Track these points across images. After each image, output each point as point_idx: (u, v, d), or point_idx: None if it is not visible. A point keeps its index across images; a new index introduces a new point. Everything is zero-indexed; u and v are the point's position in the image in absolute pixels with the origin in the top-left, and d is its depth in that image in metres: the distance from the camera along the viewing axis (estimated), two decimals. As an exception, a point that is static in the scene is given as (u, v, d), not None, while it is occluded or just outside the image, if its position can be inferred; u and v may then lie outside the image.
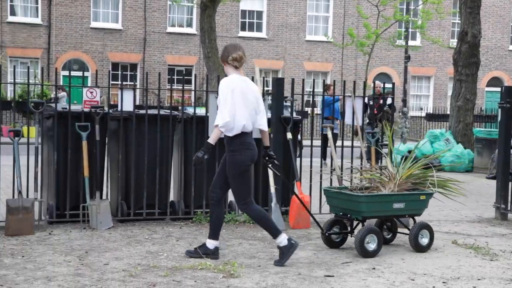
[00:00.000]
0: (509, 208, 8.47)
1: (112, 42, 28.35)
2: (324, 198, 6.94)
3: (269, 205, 7.64)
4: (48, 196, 7.46)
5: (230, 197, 8.10)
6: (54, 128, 7.31)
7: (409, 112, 26.64)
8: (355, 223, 6.57)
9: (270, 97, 8.14)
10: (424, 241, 6.50)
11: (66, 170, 7.32)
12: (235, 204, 8.12)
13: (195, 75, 8.53)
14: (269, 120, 7.97)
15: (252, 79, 8.08)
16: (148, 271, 5.41)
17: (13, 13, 27.13)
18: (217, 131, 5.72)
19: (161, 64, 28.70)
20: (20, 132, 7.19)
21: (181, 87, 8.01)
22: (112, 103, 16.57)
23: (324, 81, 11.44)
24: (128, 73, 28.35)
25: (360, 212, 6.32)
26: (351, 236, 6.50)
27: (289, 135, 7.92)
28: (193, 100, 15.49)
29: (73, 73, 7.89)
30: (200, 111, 8.48)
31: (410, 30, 27.63)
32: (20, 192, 6.89)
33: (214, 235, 5.96)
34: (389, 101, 12.03)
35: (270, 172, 7.54)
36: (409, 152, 14.78)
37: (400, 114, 23.01)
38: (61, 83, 22.95)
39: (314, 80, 8.58)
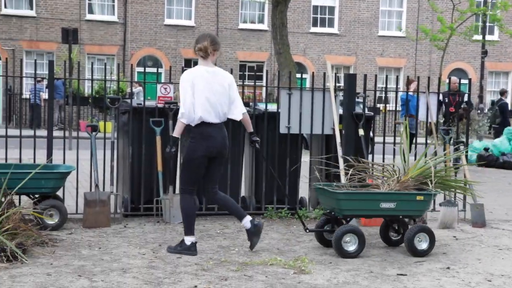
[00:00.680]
0: None
1: (185, 38, 28.72)
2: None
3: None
4: (123, 190, 7.64)
5: (301, 193, 8.10)
6: (129, 123, 7.48)
7: (485, 108, 25.90)
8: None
9: (341, 93, 8.07)
10: (422, 245, 6.05)
11: (140, 164, 7.48)
12: (306, 200, 8.13)
13: (267, 71, 8.56)
14: (340, 116, 7.93)
15: (324, 75, 8.05)
16: (219, 266, 5.47)
17: (91, 11, 27.89)
18: (178, 123, 5.85)
19: (232, 60, 28.89)
20: (97, 127, 7.40)
21: (253, 83, 8.04)
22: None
23: (408, 77, 11.26)
24: (201, 69, 28.69)
25: (340, 210, 6.04)
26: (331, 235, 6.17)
27: (361, 132, 7.84)
28: (264, 96, 15.49)
29: (147, 70, 8.02)
30: (271, 107, 8.50)
31: (487, 24, 26.82)
32: (97, 186, 7.08)
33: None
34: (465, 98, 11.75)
35: (342, 169, 7.48)
36: (486, 149, 14.50)
37: (478, 111, 22.40)
38: (136, 79, 23.46)
39: (386, 76, 8.45)
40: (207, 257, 5.74)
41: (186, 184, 5.97)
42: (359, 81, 8.26)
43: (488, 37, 27.22)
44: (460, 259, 5.96)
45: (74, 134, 16.46)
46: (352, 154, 7.78)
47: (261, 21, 29.92)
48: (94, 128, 7.29)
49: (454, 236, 7.01)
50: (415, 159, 7.90)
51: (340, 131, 7.82)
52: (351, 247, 5.90)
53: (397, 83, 8.58)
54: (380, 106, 20.84)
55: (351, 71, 29.39)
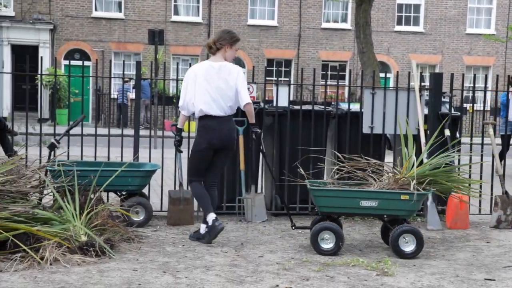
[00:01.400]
0: None
1: (268, 38, 28.87)
2: (484, 197, 6.64)
3: (425, 204, 7.43)
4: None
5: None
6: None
7: None
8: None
9: (427, 93, 7.90)
10: (408, 247, 5.82)
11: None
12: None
13: (350, 70, 8.49)
14: (426, 116, 7.76)
15: (409, 74, 7.90)
16: (301, 265, 5.46)
17: (176, 12, 28.48)
18: (180, 115, 6.27)
19: (315, 60, 28.80)
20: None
21: (335, 83, 7.99)
22: (267, 98, 16.88)
23: (509, 76, 10.87)
24: (283, 69, 28.76)
25: (318, 206, 5.93)
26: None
27: (447, 132, 7.65)
28: (346, 96, 15.35)
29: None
30: (354, 106, 8.42)
31: None
32: (181, 184, 7.22)
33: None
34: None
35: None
36: None
37: None
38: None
39: (474, 75, 8.19)
40: (288, 257, 5.74)
41: (192, 175, 6.25)
42: (445, 80, 8.06)
43: None
44: (552, 266, 5.71)
45: (160, 133, 16.85)
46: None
47: (344, 20, 29.69)
48: (179, 128, 7.42)
49: (546, 242, 6.73)
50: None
51: (425, 131, 7.66)
52: (327, 245, 5.81)
53: (485, 82, 8.30)
54: (467, 106, 20.27)
55: (437, 70, 28.72)
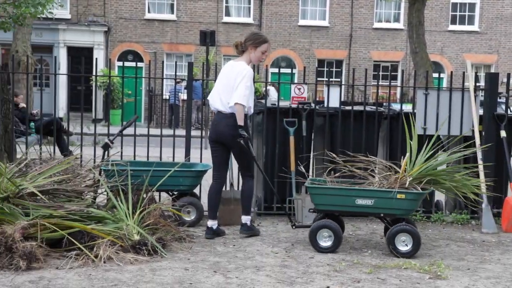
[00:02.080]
0: None
1: (319, 39, 28.75)
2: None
3: (480, 206, 7.28)
4: (256, 189, 7.77)
5: (437, 196, 7.85)
6: (263, 123, 7.60)
7: None
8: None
9: (482, 93, 7.74)
10: (405, 247, 5.79)
11: (273, 164, 7.57)
12: (442, 203, 7.88)
13: (402, 70, 8.38)
14: (481, 117, 7.60)
15: (463, 74, 7.75)
16: (352, 267, 5.42)
17: (227, 13, 28.65)
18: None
19: (366, 60, 28.55)
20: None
21: (387, 83, 7.89)
22: (318, 99, 16.84)
23: None
24: (334, 69, 28.60)
25: (315, 204, 5.91)
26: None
27: (503, 133, 7.48)
28: (398, 96, 15.16)
29: (281, 70, 8.12)
30: (406, 107, 8.31)
31: None
32: (231, 184, 7.25)
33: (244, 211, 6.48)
34: None
35: (481, 172, 7.17)
36: None
37: None
38: (270, 80, 23.79)
39: (532, 74, 7.98)
40: (339, 258, 5.70)
41: (213, 171, 6.46)
42: (501, 81, 7.87)
43: None
44: None
45: (211, 133, 16.96)
46: (492, 156, 7.46)
47: (396, 20, 29.34)
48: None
49: None
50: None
51: (480, 132, 7.50)
52: (326, 243, 5.90)
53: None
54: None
55: (492, 70, 28.11)
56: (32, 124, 11.03)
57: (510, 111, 7.92)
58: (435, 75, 18.97)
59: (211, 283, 4.85)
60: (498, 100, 7.88)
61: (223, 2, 28.30)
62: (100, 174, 6.61)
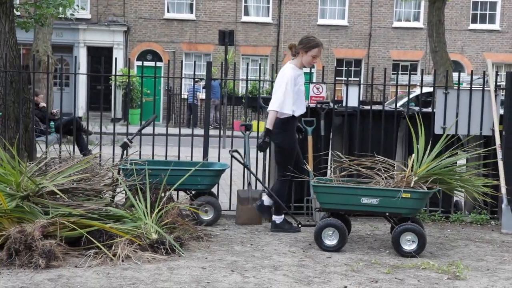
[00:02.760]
0: None
1: (338, 38, 28.67)
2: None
3: (499, 206, 7.21)
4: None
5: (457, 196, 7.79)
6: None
7: None
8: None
9: (502, 93, 7.67)
10: (410, 246, 5.77)
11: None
12: (461, 203, 7.82)
13: (422, 70, 8.31)
14: (501, 117, 7.54)
15: (484, 73, 7.69)
16: (370, 267, 5.40)
17: (246, 13, 28.66)
18: None
19: (385, 60, 28.42)
20: (251, 126, 7.58)
21: (407, 83, 7.85)
22: (336, 99, 16.78)
23: None
24: (353, 68, 28.50)
25: (320, 203, 5.93)
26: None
27: (523, 133, 7.40)
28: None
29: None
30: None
31: None
32: (249, 184, 7.26)
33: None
34: None
35: (502, 172, 7.12)
36: None
37: None
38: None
39: (554, 73, 7.88)
40: (357, 258, 5.69)
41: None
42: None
43: None
44: None
45: (229, 133, 16.99)
46: (512, 156, 7.39)
47: (416, 18, 29.17)
48: (248, 128, 7.48)
49: None
50: None
51: (501, 132, 7.44)
52: (331, 242, 5.88)
53: None
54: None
55: (513, 69, 27.85)
56: (52, 123, 11.12)
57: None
58: (455, 74, 18.81)
59: (228, 282, 4.86)
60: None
61: (242, 2, 28.32)
62: (118, 173, 6.65)
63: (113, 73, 7.90)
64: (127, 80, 9.84)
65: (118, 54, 26.80)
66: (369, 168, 6.21)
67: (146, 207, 5.97)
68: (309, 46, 6.64)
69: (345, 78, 9.41)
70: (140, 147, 7.49)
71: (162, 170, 6.59)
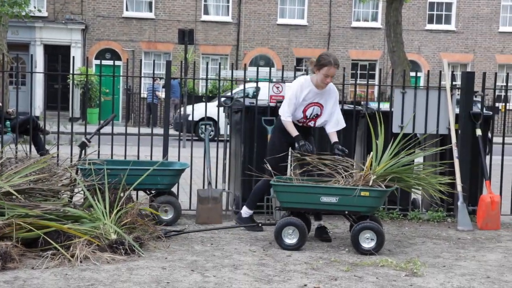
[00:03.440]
0: None
1: (297, 38, 28.82)
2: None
3: (455, 204, 7.35)
4: (234, 187, 7.77)
5: (414, 194, 7.91)
6: (241, 122, 7.59)
7: None
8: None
9: (458, 92, 7.81)
10: (369, 244, 5.84)
11: (252, 162, 7.57)
12: (418, 201, 7.94)
13: (380, 69, 8.42)
14: (457, 116, 7.68)
15: (440, 73, 7.82)
16: (329, 265, 5.44)
17: (206, 12, 28.59)
18: None
19: (344, 59, 28.66)
20: (210, 125, 7.56)
21: (365, 82, 7.93)
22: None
23: None
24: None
25: (280, 202, 6.00)
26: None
27: (478, 132, 7.56)
28: (376, 95, 15.26)
29: (259, 69, 8.12)
30: (384, 106, 8.35)
31: None
32: (209, 183, 7.24)
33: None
34: None
35: (457, 170, 7.25)
36: None
37: None
38: (249, 79, 23.79)
39: (507, 74, 8.07)
40: (316, 256, 5.73)
41: None
42: (477, 79, 7.97)
43: None
44: None
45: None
46: (468, 155, 7.53)
47: (374, 19, 29.51)
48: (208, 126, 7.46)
49: None
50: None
51: (456, 131, 7.58)
52: (291, 241, 5.93)
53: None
54: (500, 105, 20.01)
55: (469, 69, 28.38)
56: (8, 122, 10.90)
57: (485, 110, 8.01)
58: (412, 74, 19.12)
59: (188, 282, 4.84)
60: (474, 99, 7.96)
61: (201, 1, 28.24)
62: (76, 173, 6.57)
63: (71, 72, 7.79)
64: (85, 79, 9.71)
65: (76, 53, 26.46)
66: (328, 167, 6.24)
67: (105, 207, 5.90)
68: (320, 64, 6.35)
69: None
70: (99, 147, 7.41)
71: (121, 169, 6.52)
